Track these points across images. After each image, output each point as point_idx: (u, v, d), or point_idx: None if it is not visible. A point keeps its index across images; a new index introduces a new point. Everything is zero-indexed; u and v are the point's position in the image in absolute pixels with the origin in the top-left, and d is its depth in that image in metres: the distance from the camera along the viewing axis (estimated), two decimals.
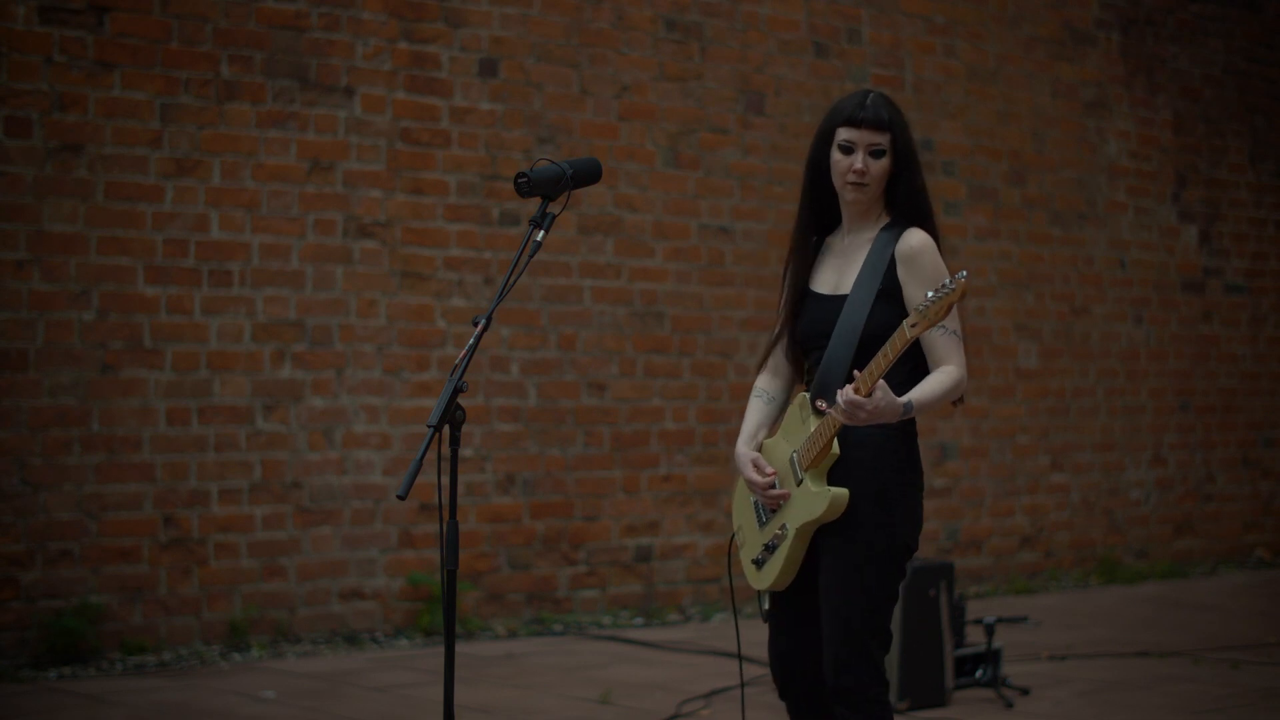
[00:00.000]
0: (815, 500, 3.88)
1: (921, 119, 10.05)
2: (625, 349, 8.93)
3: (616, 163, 8.89)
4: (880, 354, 3.71)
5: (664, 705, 6.53)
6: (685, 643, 8.05)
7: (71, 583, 7.36)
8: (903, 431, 3.93)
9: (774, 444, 4.05)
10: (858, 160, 3.95)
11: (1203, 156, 11.54)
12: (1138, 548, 11.09)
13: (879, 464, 3.90)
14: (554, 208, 3.85)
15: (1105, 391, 10.96)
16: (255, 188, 7.84)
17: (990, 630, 6.67)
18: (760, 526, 4.05)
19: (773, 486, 3.98)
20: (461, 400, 3.62)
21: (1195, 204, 11.49)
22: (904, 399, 3.77)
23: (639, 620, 8.78)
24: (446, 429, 3.58)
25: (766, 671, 6.99)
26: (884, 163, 3.97)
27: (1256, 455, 11.82)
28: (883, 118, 3.95)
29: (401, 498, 3.54)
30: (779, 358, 4.15)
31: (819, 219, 4.12)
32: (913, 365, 3.90)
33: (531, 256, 3.78)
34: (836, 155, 3.99)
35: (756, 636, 7.01)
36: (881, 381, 3.71)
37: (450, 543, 3.58)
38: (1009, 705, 6.50)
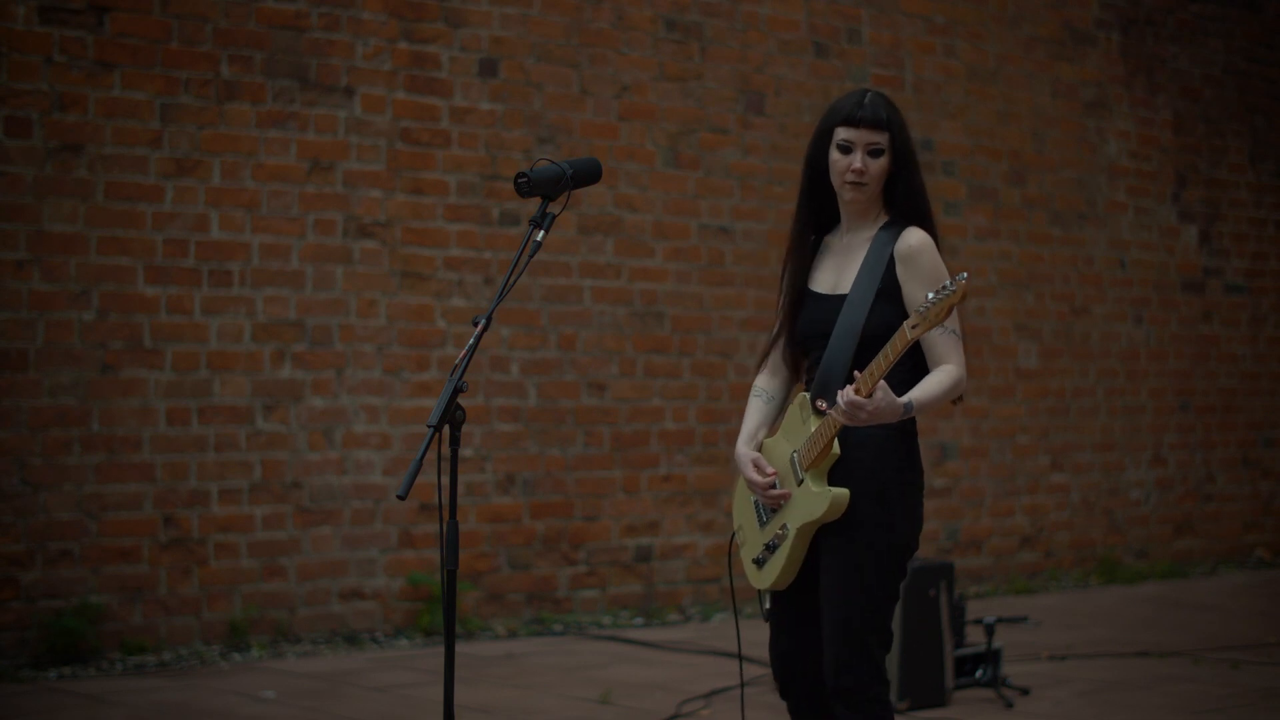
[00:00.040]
0: (816, 500, 3.88)
1: (921, 119, 10.05)
2: (625, 349, 8.93)
3: (616, 163, 8.89)
4: (881, 355, 3.71)
5: (664, 705, 6.53)
6: (685, 643, 8.05)
7: (71, 583, 7.36)
8: (903, 431, 3.93)
9: (774, 443, 4.05)
10: (856, 160, 3.95)
11: (1203, 156, 11.54)
12: (1138, 548, 11.09)
13: (879, 464, 3.90)
14: (554, 208, 3.85)
15: (1105, 391, 10.96)
16: (255, 188, 7.84)
17: (990, 630, 6.67)
18: (761, 526, 4.05)
19: (773, 486, 3.98)
20: (461, 400, 3.62)
21: (1195, 204, 11.49)
22: (904, 399, 3.77)
23: (639, 620, 8.78)
24: (446, 429, 3.58)
25: (766, 671, 7.00)
26: (882, 162, 3.97)
27: (1256, 455, 11.83)
28: (881, 117, 3.95)
29: (401, 498, 3.54)
30: (778, 357, 4.15)
31: (817, 218, 4.11)
32: (912, 364, 3.90)
33: (531, 256, 3.78)
34: (835, 155, 3.99)
35: (756, 636, 7.03)
36: (882, 382, 3.71)
37: (450, 543, 3.58)
38: (1009, 705, 6.50)
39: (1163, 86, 11.32)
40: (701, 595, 9.17)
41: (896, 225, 4.00)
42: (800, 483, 3.93)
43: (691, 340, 9.16)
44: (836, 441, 3.87)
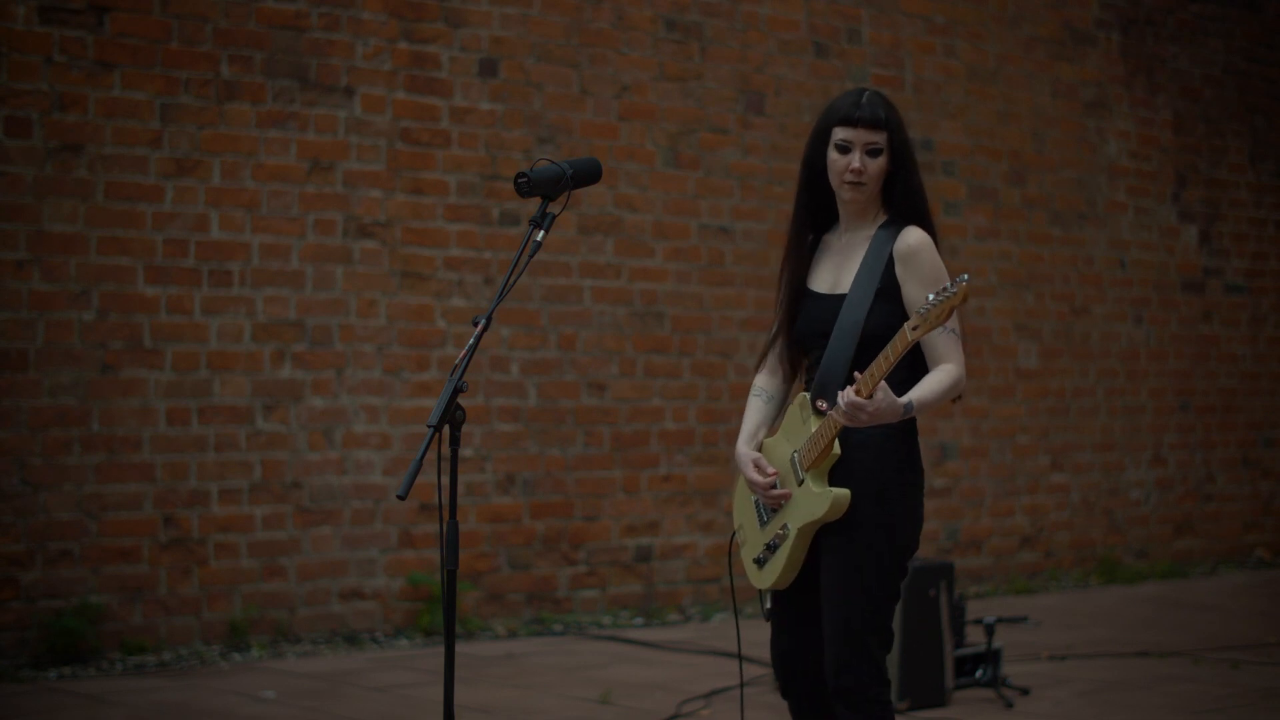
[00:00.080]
0: (817, 501, 3.88)
1: (921, 119, 10.05)
2: (625, 349, 8.93)
3: (616, 163, 8.89)
4: (881, 356, 3.71)
5: (664, 705, 6.53)
6: (685, 643, 8.05)
7: (71, 583, 7.36)
8: (903, 431, 3.93)
9: (774, 443, 4.05)
10: (855, 160, 3.95)
11: (1203, 156, 11.54)
12: (1138, 548, 11.09)
13: (880, 464, 3.90)
14: (554, 208, 3.85)
15: (1105, 391, 10.97)
16: (255, 188, 7.85)
17: (990, 630, 6.66)
18: (761, 526, 4.05)
19: (774, 486, 3.98)
20: (461, 400, 3.62)
21: (1195, 204, 11.49)
22: (904, 399, 3.77)
23: (639, 620, 8.78)
24: (446, 429, 3.58)
25: (766, 671, 7.00)
26: (881, 161, 3.97)
27: (1256, 455, 11.83)
28: (879, 116, 3.95)
29: (401, 498, 3.54)
30: (777, 357, 4.15)
31: (815, 217, 4.11)
32: (911, 362, 3.89)
33: (531, 256, 3.78)
34: (833, 155, 3.98)
35: (757, 636, 7.02)
36: (883, 383, 3.71)
37: (450, 543, 3.58)
38: (1009, 705, 6.50)
39: (1163, 86, 11.32)
40: (701, 595, 9.17)
41: (895, 224, 3.99)
42: (801, 483, 3.93)
43: (691, 340, 9.16)
44: (837, 442, 3.87)
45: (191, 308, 7.67)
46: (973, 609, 8.73)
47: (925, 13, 10.14)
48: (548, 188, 3.85)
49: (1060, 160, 10.77)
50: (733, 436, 8.40)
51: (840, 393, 3.76)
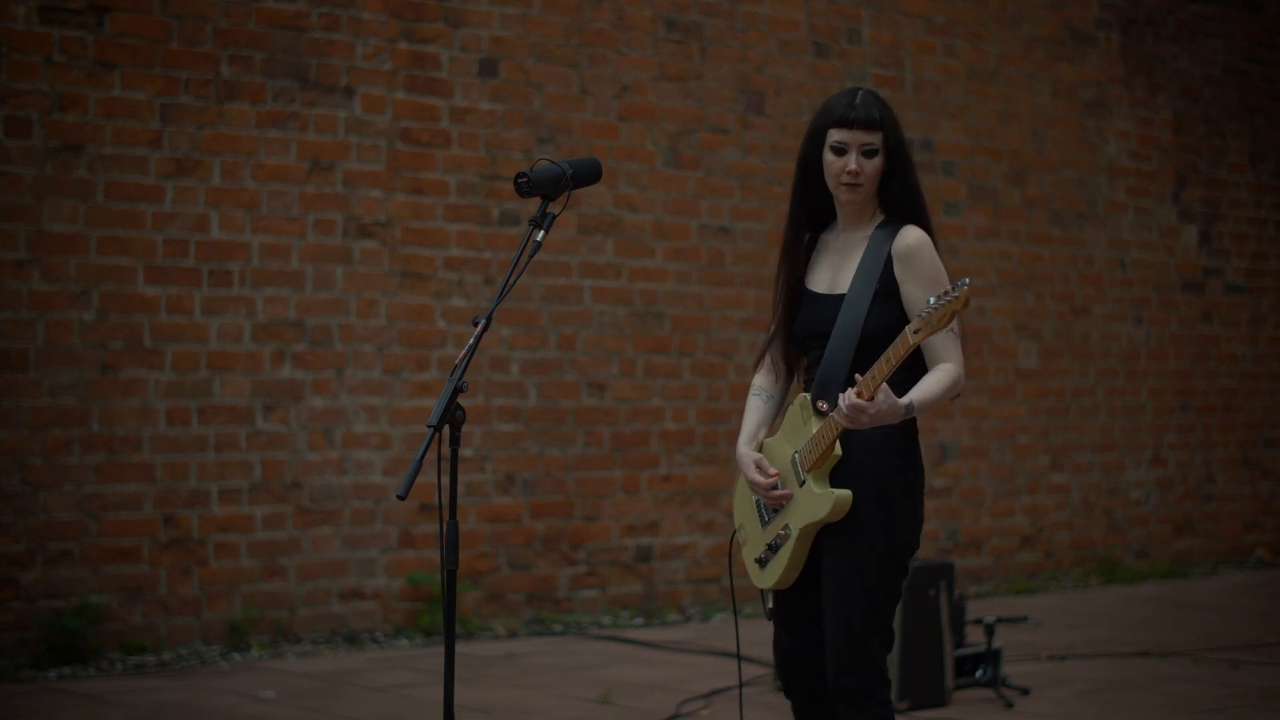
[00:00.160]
0: (819, 502, 3.88)
1: (921, 119, 10.05)
2: (625, 349, 8.93)
3: (616, 163, 8.89)
4: (883, 359, 3.71)
5: (664, 705, 6.53)
6: (685, 643, 8.05)
7: (71, 583, 7.36)
8: (904, 431, 3.93)
9: (775, 444, 4.05)
10: (851, 161, 3.95)
11: (1203, 156, 11.54)
12: (1138, 548, 11.09)
13: (880, 464, 3.90)
14: (554, 208, 3.85)
15: (1105, 391, 10.97)
16: (255, 188, 7.85)
17: (990, 630, 6.66)
18: (763, 526, 4.05)
19: (775, 487, 3.98)
20: (461, 400, 3.62)
21: (1195, 204, 11.49)
22: (905, 400, 3.77)
23: (639, 620, 8.78)
24: (446, 429, 3.58)
25: (766, 671, 7.00)
26: (877, 162, 3.97)
27: (1256, 455, 11.82)
28: (874, 117, 3.95)
29: (401, 498, 3.54)
30: (776, 357, 4.15)
31: (811, 217, 4.11)
32: (912, 362, 3.89)
33: (531, 256, 3.78)
34: (829, 157, 3.98)
35: (756, 636, 7.02)
36: (884, 385, 3.71)
37: (450, 543, 3.58)
38: (1009, 705, 6.50)
39: (1163, 86, 11.32)
40: (701, 595, 9.17)
41: (893, 224, 3.99)
42: (802, 483, 3.93)
43: (691, 340, 9.16)
44: (838, 443, 3.87)
45: (191, 308, 7.67)
46: (973, 609, 8.73)
47: (925, 13, 10.14)
48: (548, 188, 3.85)
49: (1060, 160, 10.77)
50: (733, 436, 8.40)
51: (841, 395, 3.76)
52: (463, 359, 3.61)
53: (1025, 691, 6.69)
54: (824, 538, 3.93)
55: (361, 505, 8.11)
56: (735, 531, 4.18)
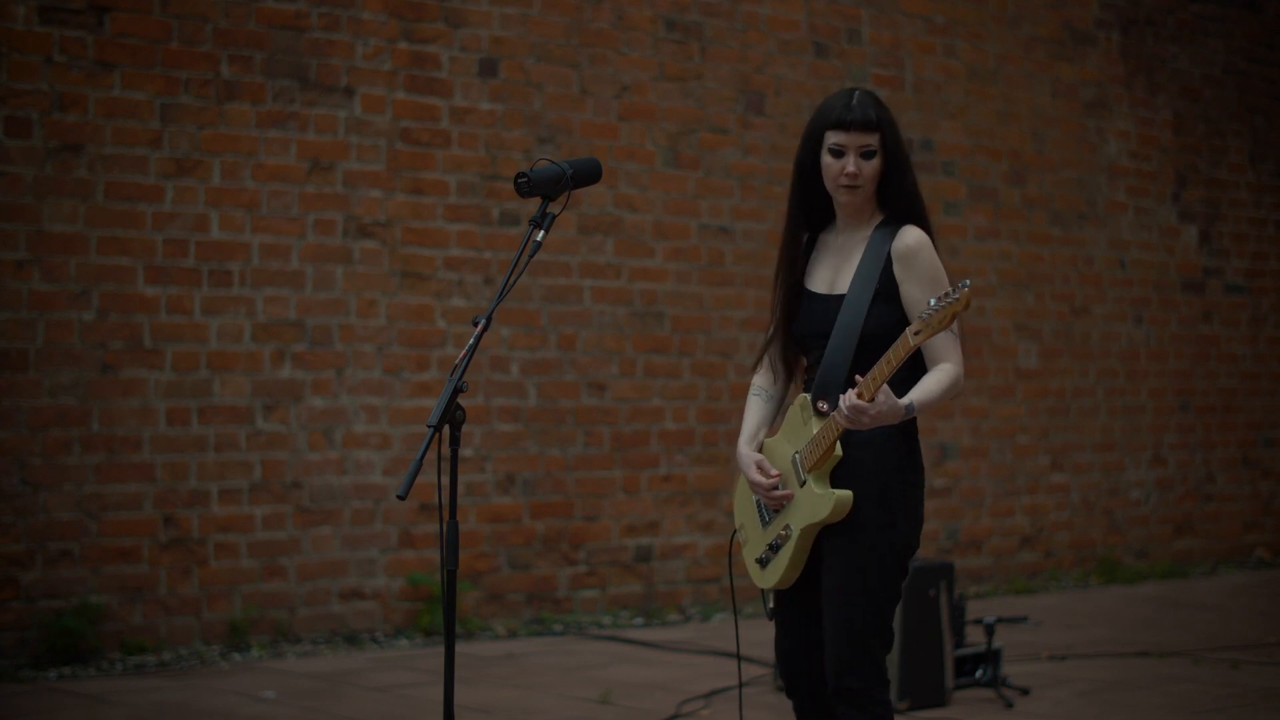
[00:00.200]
0: (820, 502, 3.88)
1: (921, 119, 10.05)
2: (625, 349, 8.93)
3: (616, 163, 8.89)
4: (883, 360, 3.71)
5: (664, 705, 6.53)
6: (685, 643, 8.05)
7: (71, 583, 7.36)
8: (904, 432, 3.94)
9: (775, 444, 4.05)
10: (849, 164, 3.95)
11: (1203, 156, 11.54)
12: (1138, 548, 11.09)
13: (881, 465, 3.90)
14: (554, 208, 3.85)
15: (1105, 391, 10.96)
16: (255, 188, 7.85)
17: (990, 630, 6.66)
18: (764, 526, 4.05)
19: (776, 488, 3.98)
20: (461, 400, 3.62)
21: (1195, 204, 11.49)
22: (905, 400, 3.77)
23: (639, 620, 8.78)
24: (446, 429, 3.58)
25: (766, 671, 7.01)
26: (875, 163, 3.97)
27: (1256, 455, 11.82)
28: (871, 118, 3.94)
29: (401, 498, 3.54)
30: (775, 357, 4.15)
31: (809, 217, 4.11)
32: (911, 361, 3.89)
33: (531, 256, 3.78)
34: (827, 159, 3.98)
35: (756, 636, 7.02)
36: (885, 386, 3.72)
37: (450, 543, 3.58)
38: (1009, 705, 6.50)
39: (1163, 86, 11.32)
40: (701, 595, 9.17)
41: (892, 224, 3.99)
42: (803, 484, 3.93)
43: (691, 340, 9.16)
44: (839, 443, 3.87)
45: (191, 308, 7.67)
46: (973, 609, 8.73)
47: (925, 13, 10.14)
48: (548, 188, 3.85)
49: (1060, 160, 10.77)
50: (733, 436, 8.40)
51: (842, 396, 3.76)
52: (463, 359, 3.61)
53: (1025, 691, 6.69)
54: (825, 538, 3.93)
55: (361, 505, 8.11)
56: (735, 531, 4.18)
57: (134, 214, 7.54)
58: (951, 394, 3.88)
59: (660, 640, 8.11)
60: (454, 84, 8.42)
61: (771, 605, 4.10)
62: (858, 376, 3.78)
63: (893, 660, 6.27)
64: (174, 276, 7.63)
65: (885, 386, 3.72)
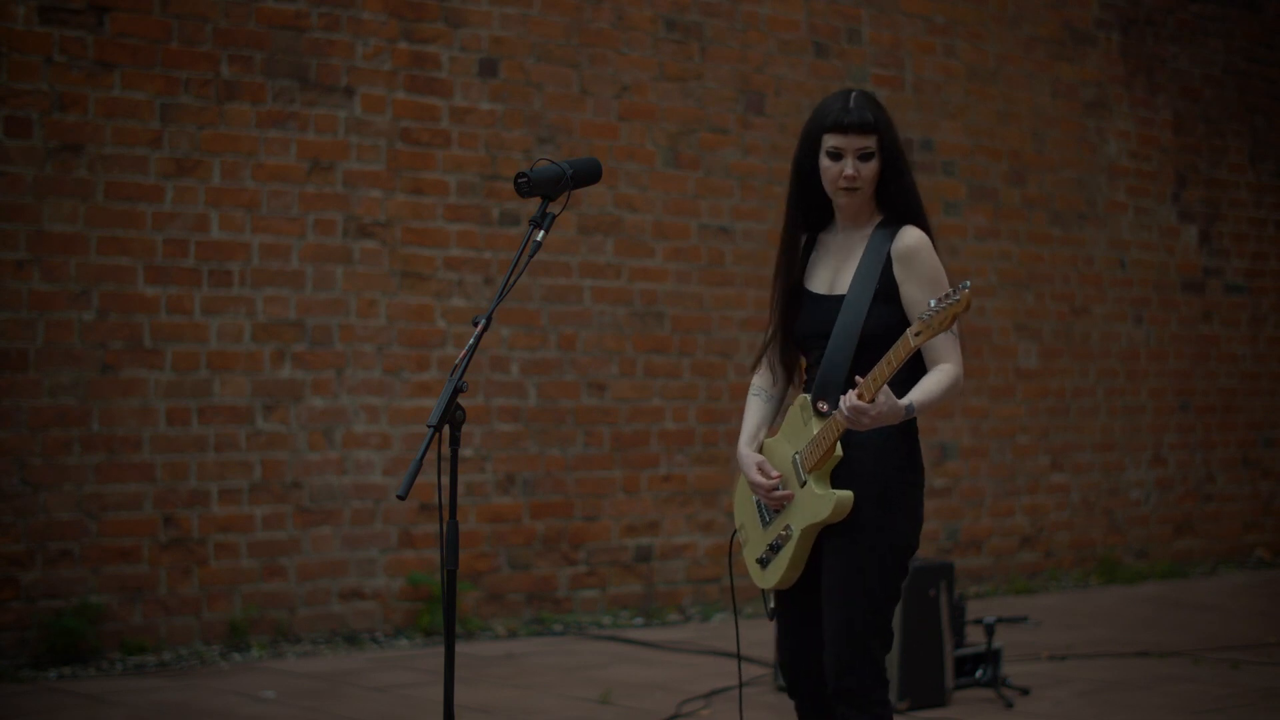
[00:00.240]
0: (820, 503, 3.88)
1: (921, 119, 10.05)
2: (625, 349, 8.93)
3: (616, 163, 8.89)
4: (884, 361, 3.72)
5: (664, 705, 6.53)
6: (685, 643, 8.05)
7: (71, 583, 7.36)
8: (904, 432, 3.94)
9: (775, 444, 4.05)
10: (848, 166, 3.94)
11: (1203, 156, 11.54)
12: (1138, 548, 11.09)
13: (881, 465, 3.90)
14: (554, 208, 3.85)
15: (1105, 391, 10.96)
16: (255, 188, 7.85)
17: (990, 630, 6.66)
18: (764, 526, 4.05)
19: (777, 489, 3.98)
20: (461, 400, 3.62)
21: (1195, 204, 11.49)
22: (905, 401, 3.78)
23: (639, 620, 8.78)
24: (446, 429, 3.58)
25: (766, 671, 7.01)
26: (873, 165, 3.97)
27: (1256, 455, 11.82)
28: (868, 120, 3.94)
29: (401, 498, 3.54)
30: (774, 360, 4.15)
31: (808, 218, 4.11)
32: (911, 361, 3.89)
33: (531, 256, 3.78)
34: (825, 162, 3.97)
35: (757, 636, 7.00)
36: (885, 387, 3.72)
37: (450, 543, 3.58)
38: (1009, 705, 6.50)
39: (1163, 86, 11.32)
40: (701, 595, 9.17)
41: (892, 224, 3.99)
42: (803, 484, 3.93)
43: (691, 340, 9.16)
44: (839, 444, 3.87)
45: (191, 308, 7.67)
46: (973, 609, 8.73)
47: (925, 13, 10.14)
48: (548, 188, 3.85)
49: (1060, 160, 10.77)
50: (733, 436, 8.39)
51: (842, 397, 3.76)
52: (463, 359, 3.61)
53: (1025, 691, 6.69)
54: (825, 538, 3.93)
55: (361, 505, 8.11)
56: (735, 531, 4.18)
57: (134, 214, 7.54)
58: (951, 395, 3.88)
59: (660, 640, 8.11)
60: (454, 84, 8.42)
61: (772, 605, 4.10)
62: (858, 377, 3.78)
63: (893, 660, 6.27)
64: (174, 276, 7.63)
65: (886, 387, 3.72)
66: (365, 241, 8.15)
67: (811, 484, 3.91)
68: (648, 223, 9.03)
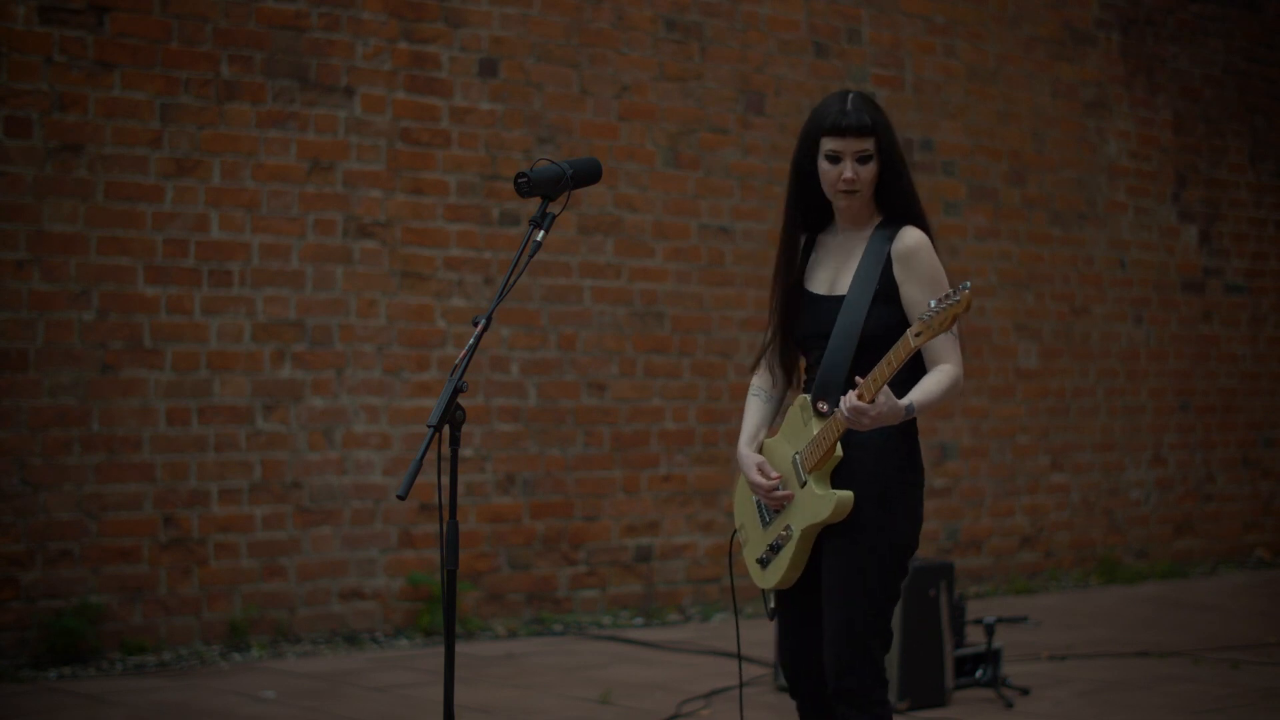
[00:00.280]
0: (821, 503, 3.89)
1: (921, 119, 10.05)
2: (625, 349, 8.93)
3: (616, 163, 8.89)
4: (884, 361, 3.72)
5: (664, 705, 6.53)
6: (685, 643, 8.05)
7: (71, 583, 7.36)
8: (904, 432, 3.94)
9: (775, 444, 4.06)
10: (846, 169, 3.94)
11: (1203, 156, 11.54)
12: (1138, 548, 11.09)
13: (881, 465, 3.91)
14: (554, 208, 3.85)
15: (1105, 391, 10.96)
16: (255, 188, 7.85)
17: (990, 630, 6.66)
18: (764, 526, 4.05)
19: (776, 489, 3.98)
20: (461, 400, 3.62)
21: (1195, 204, 11.49)
22: (905, 401, 3.78)
23: (639, 620, 8.78)
24: (446, 429, 3.58)
25: (766, 671, 7.01)
26: (872, 167, 3.96)
27: (1256, 455, 11.83)
28: (866, 122, 3.93)
29: (401, 498, 3.54)
30: (773, 361, 4.15)
31: (807, 218, 4.11)
32: (911, 361, 3.89)
33: (531, 256, 3.78)
34: (824, 165, 3.97)
35: (757, 636, 7.00)
36: (885, 387, 3.72)
37: (450, 543, 3.58)
38: (1009, 705, 6.50)
39: (1163, 86, 11.32)
40: (701, 595, 9.17)
41: (892, 225, 3.99)
42: (803, 484, 3.93)
43: (691, 340, 9.16)
44: (839, 444, 3.88)
45: (191, 308, 7.67)
46: (973, 609, 8.73)
47: (925, 13, 10.14)
48: (548, 188, 3.85)
49: (1060, 160, 10.77)
50: (733, 436, 8.39)
51: (843, 397, 3.76)
52: (463, 359, 3.61)
53: (1025, 691, 6.69)
54: (825, 538, 3.93)
55: (361, 505, 8.11)
56: (735, 531, 4.18)
57: (134, 214, 7.54)
58: (951, 395, 3.89)
59: (660, 640, 8.11)
60: (454, 84, 8.42)
61: (772, 605, 4.10)
62: (858, 378, 3.78)
63: (893, 660, 6.27)
64: (174, 276, 7.63)
65: (886, 388, 3.72)
66: (365, 241, 8.15)
67: (811, 484, 3.91)
68: (648, 223, 9.03)
